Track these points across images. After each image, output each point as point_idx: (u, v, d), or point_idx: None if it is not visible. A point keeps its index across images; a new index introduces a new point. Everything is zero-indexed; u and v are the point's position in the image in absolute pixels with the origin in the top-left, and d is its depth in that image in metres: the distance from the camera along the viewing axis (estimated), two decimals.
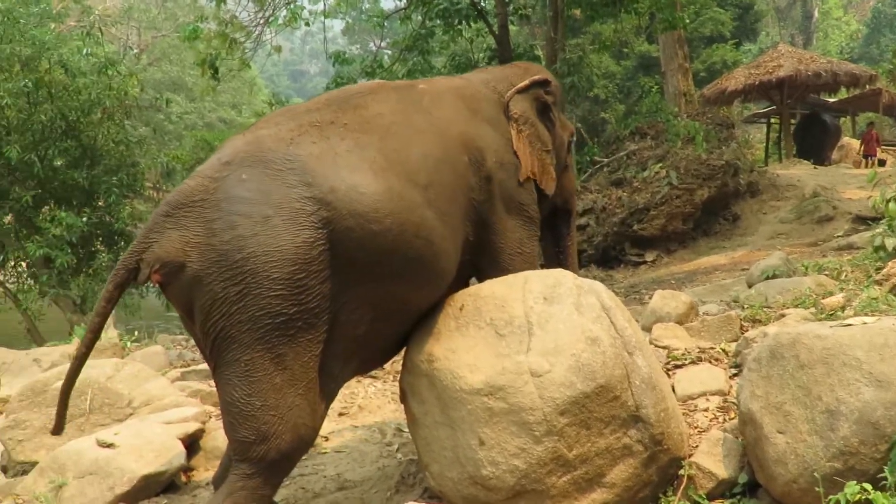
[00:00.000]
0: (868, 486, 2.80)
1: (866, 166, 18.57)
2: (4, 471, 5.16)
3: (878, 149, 20.64)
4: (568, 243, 4.91)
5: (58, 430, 3.57)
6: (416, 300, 3.68)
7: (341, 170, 3.33)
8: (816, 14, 44.03)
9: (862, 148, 21.32)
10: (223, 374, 3.25)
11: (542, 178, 4.31)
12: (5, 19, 10.75)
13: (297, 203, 3.21)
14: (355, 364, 3.71)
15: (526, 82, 4.37)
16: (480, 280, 4.05)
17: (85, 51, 11.72)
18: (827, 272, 6.45)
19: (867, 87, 22.84)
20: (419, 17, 12.53)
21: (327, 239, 3.24)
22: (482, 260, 4.06)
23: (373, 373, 5.96)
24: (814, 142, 21.21)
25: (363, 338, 3.54)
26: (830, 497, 2.88)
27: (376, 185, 3.35)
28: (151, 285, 3.43)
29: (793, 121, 22.81)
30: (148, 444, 4.55)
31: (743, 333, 4.89)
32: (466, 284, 4.11)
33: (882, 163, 18.86)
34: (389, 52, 17.88)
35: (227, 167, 3.31)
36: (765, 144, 24.01)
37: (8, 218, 11.33)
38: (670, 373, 4.48)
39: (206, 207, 3.22)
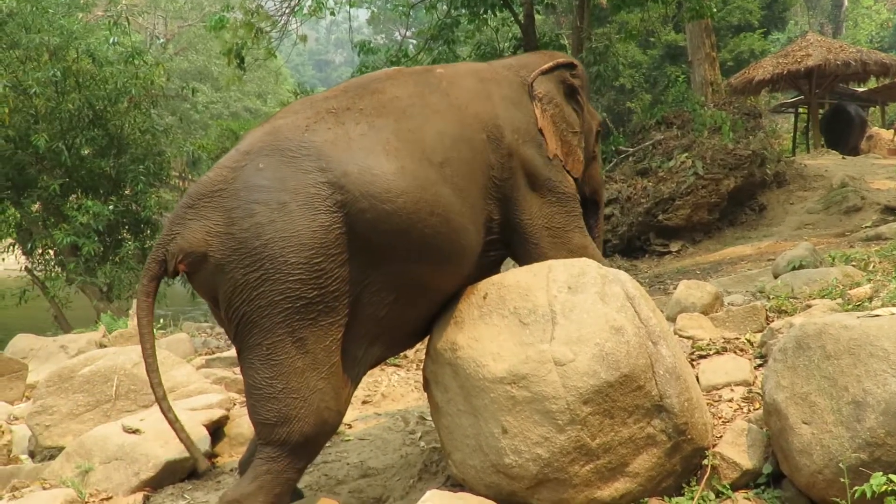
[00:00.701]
0: (894, 478, 2.77)
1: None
2: (32, 455, 5.22)
3: None
4: (595, 235, 4.80)
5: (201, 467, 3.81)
6: (438, 280, 3.67)
7: (355, 153, 3.37)
8: (846, 3, 43.49)
9: (895, 137, 20.96)
10: (246, 357, 3.31)
11: (567, 160, 4.24)
12: (34, 9, 10.82)
13: (312, 188, 3.27)
14: (380, 348, 3.72)
15: (550, 63, 4.35)
16: (516, 260, 4.05)
17: (112, 40, 11.79)
18: (854, 263, 6.39)
19: None
20: (444, 7, 12.49)
21: (343, 222, 3.28)
22: (513, 238, 4.03)
23: (396, 361, 5.98)
24: (840, 133, 20.95)
25: (387, 321, 3.56)
26: (856, 488, 2.87)
27: (388, 165, 3.38)
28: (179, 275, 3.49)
29: (821, 110, 22.56)
30: (173, 431, 4.58)
31: (768, 324, 4.86)
32: (499, 268, 4.11)
33: None
34: (414, 41, 17.89)
35: (245, 157, 3.38)
36: (792, 134, 23.76)
37: (36, 206, 11.42)
38: (695, 363, 4.47)
39: (225, 197, 3.29)
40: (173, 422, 3.53)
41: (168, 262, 3.33)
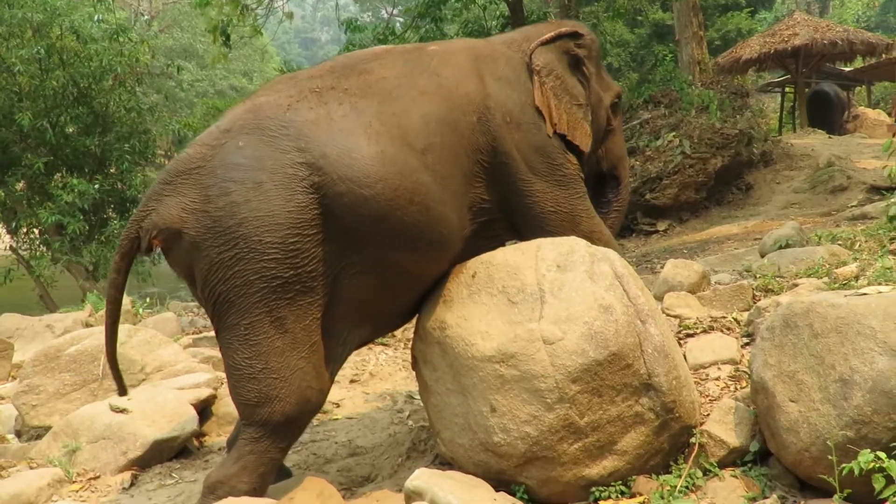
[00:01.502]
0: (882, 455, 2.79)
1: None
2: (18, 435, 5.20)
3: None
4: (613, 213, 4.68)
5: (122, 391, 3.74)
6: (420, 266, 3.64)
7: (335, 135, 3.34)
8: None
9: (894, 115, 20.79)
10: (225, 338, 3.31)
11: (573, 134, 4.07)
12: None
13: (289, 168, 3.25)
14: (367, 329, 3.72)
15: (551, 34, 4.18)
16: (523, 241, 3.92)
17: (96, 17, 11.69)
18: (840, 242, 6.41)
19: (883, 56, 22.55)
20: None
21: (320, 204, 3.26)
22: (518, 222, 3.98)
23: (384, 340, 5.98)
24: (822, 116, 20.88)
25: (371, 303, 3.56)
26: (843, 465, 2.88)
27: (368, 149, 3.35)
28: (158, 253, 3.47)
29: (807, 90, 22.59)
30: (160, 410, 4.58)
31: (755, 303, 4.87)
32: (502, 245, 4.05)
33: None
34: (402, 19, 17.76)
35: (225, 135, 3.36)
36: (779, 114, 23.81)
37: (20, 185, 11.35)
38: (682, 342, 4.48)
39: (202, 174, 3.27)
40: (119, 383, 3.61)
41: (142, 238, 3.31)
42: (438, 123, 3.60)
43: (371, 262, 3.45)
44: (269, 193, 3.20)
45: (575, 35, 4.31)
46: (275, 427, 3.30)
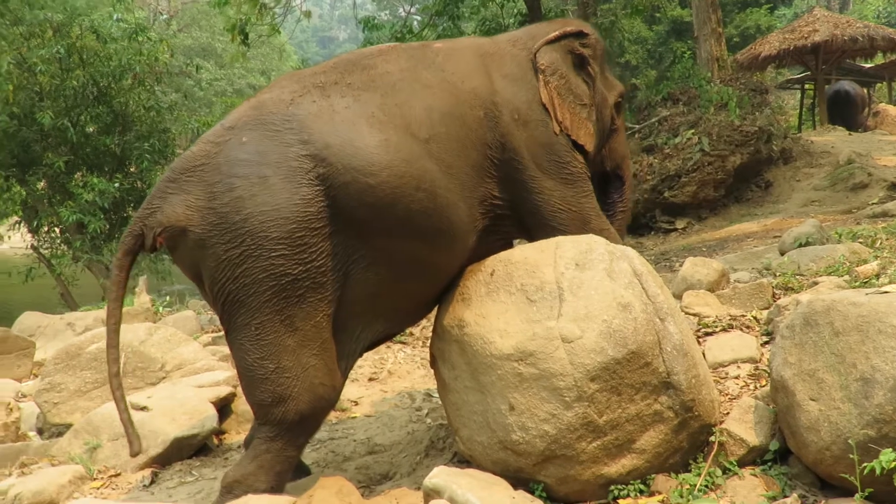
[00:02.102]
0: None
1: None
2: (40, 432, 5.25)
3: None
4: (618, 214, 4.67)
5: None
6: (431, 255, 3.61)
7: (337, 126, 3.33)
8: None
9: None
10: (235, 338, 3.29)
11: (576, 133, 4.07)
12: None
13: (294, 161, 3.23)
14: (382, 325, 3.72)
15: (556, 33, 4.19)
16: (531, 240, 3.95)
17: (115, 17, 11.73)
18: (861, 240, 6.37)
19: None
20: None
21: (326, 195, 3.24)
22: (528, 220, 3.97)
23: (402, 338, 5.99)
24: (843, 115, 20.71)
25: (384, 297, 3.54)
26: (865, 464, 2.86)
27: (371, 138, 3.33)
28: (164, 251, 3.46)
29: (827, 86, 22.44)
30: (180, 407, 4.60)
31: (775, 301, 4.86)
32: (510, 245, 4.07)
33: None
34: (419, 17, 17.76)
35: (229, 132, 3.35)
36: (799, 111, 23.67)
37: (41, 184, 11.43)
38: (701, 340, 4.46)
39: (207, 171, 3.25)
40: (119, 400, 3.48)
41: (146, 235, 3.28)
42: (443, 115, 3.60)
43: (380, 254, 3.43)
44: (274, 187, 3.18)
45: (580, 34, 4.31)
46: (290, 425, 3.31)
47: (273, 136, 3.29)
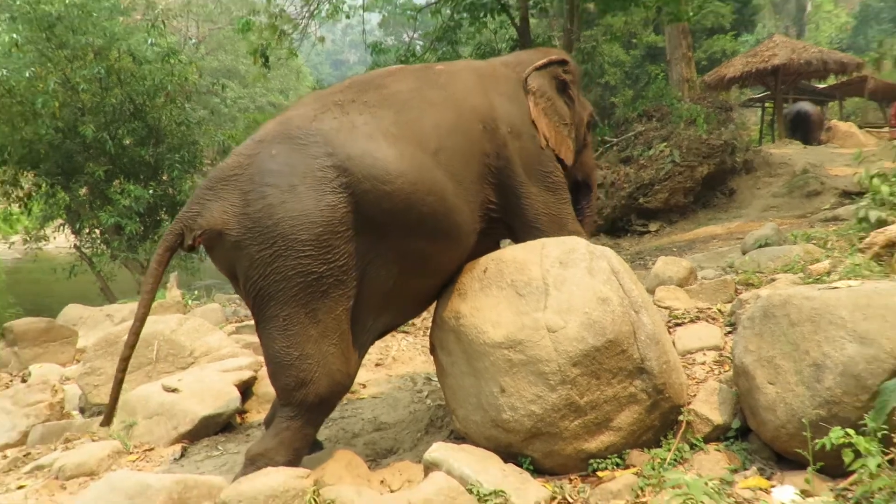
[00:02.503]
0: (851, 432, 2.78)
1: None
2: (82, 412, 5.25)
3: None
4: (587, 217, 4.79)
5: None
6: (438, 255, 3.65)
7: (357, 139, 3.35)
8: (809, 7, 43.26)
9: (892, 121, 20.31)
10: (264, 328, 3.30)
11: (559, 148, 4.20)
12: (80, 13, 10.77)
13: (319, 172, 3.25)
14: (389, 317, 3.73)
15: (544, 60, 4.33)
16: (516, 240, 4.02)
17: (150, 41, 11.73)
18: (814, 241, 6.37)
19: (854, 74, 22.40)
20: (448, 11, 12.39)
21: (348, 202, 3.26)
22: (514, 222, 4.02)
23: (405, 328, 6.00)
24: (804, 133, 20.60)
25: (393, 292, 3.56)
26: (817, 441, 2.87)
27: (388, 150, 3.36)
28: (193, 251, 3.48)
29: (785, 105, 22.42)
30: (207, 390, 4.61)
31: (737, 295, 4.86)
32: (498, 245, 4.11)
33: None
34: (421, 42, 17.75)
35: (259, 145, 3.38)
36: (759, 126, 23.67)
37: (83, 190, 11.41)
38: (671, 330, 4.46)
39: (241, 180, 3.28)
40: (118, 382, 3.50)
41: (185, 236, 3.31)
42: (448, 129, 3.64)
43: (394, 254, 3.45)
44: (302, 195, 3.20)
45: (563, 62, 4.45)
46: (309, 407, 3.32)
47: (300, 148, 3.31)
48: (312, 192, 3.21)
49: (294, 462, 3.34)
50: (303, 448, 3.42)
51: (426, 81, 3.82)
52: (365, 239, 3.34)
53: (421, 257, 3.58)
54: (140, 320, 3.43)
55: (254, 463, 3.29)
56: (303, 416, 3.34)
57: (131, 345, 3.43)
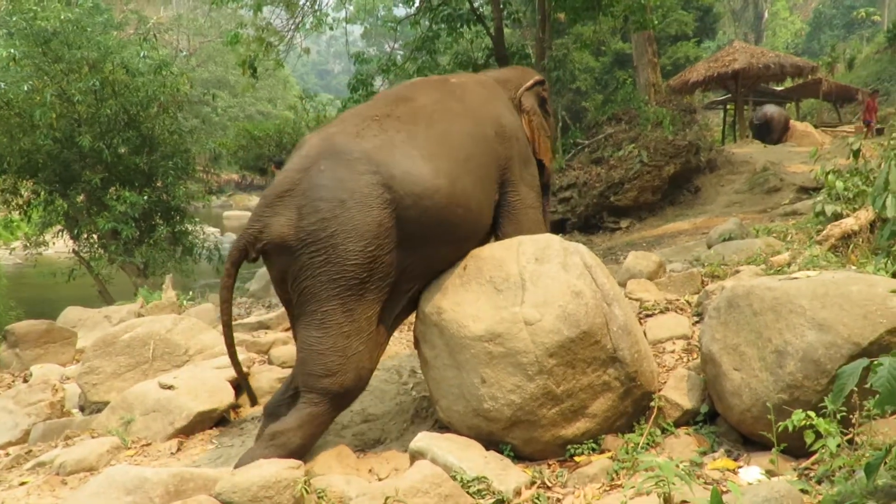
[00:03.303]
0: (812, 414, 2.79)
1: (867, 134, 17.43)
2: (82, 409, 5.19)
3: (875, 116, 19.39)
4: (547, 213, 4.99)
5: (242, 378, 4.03)
6: (456, 256, 3.81)
7: (399, 158, 3.50)
8: (766, 15, 43.60)
9: (863, 118, 20.36)
10: (303, 321, 3.44)
11: (545, 157, 4.60)
12: (75, 28, 10.65)
13: (366, 188, 3.39)
14: (404, 315, 3.91)
15: (531, 82, 4.65)
16: (498, 230, 4.18)
17: (142, 54, 11.61)
18: (775, 234, 6.41)
19: (809, 77, 22.59)
20: (427, 22, 12.37)
21: (391, 216, 3.41)
22: (500, 215, 4.19)
23: None
24: (769, 134, 20.63)
25: (412, 295, 3.76)
26: (780, 424, 2.88)
27: (426, 167, 3.52)
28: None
29: (746, 107, 22.52)
30: (202, 386, 4.57)
31: (704, 287, 4.87)
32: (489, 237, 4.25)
33: (880, 131, 17.80)
34: (402, 52, 17.73)
35: (306, 160, 3.51)
36: (722, 127, 23.76)
37: (80, 197, 11.28)
38: (642, 321, 4.48)
39: (295, 196, 3.43)
40: (242, 375, 3.83)
41: (249, 250, 3.46)
42: (474, 138, 3.87)
43: (425, 261, 3.65)
44: (351, 210, 3.34)
45: (543, 82, 4.81)
46: (333, 396, 3.43)
47: (346, 165, 3.45)
48: (361, 207, 3.36)
49: (308, 445, 3.48)
50: (317, 435, 3.54)
51: (446, 94, 4.05)
52: (402, 250, 3.49)
53: (444, 261, 3.77)
54: (227, 325, 3.64)
55: (273, 438, 3.41)
56: (325, 403, 3.45)
57: (231, 343, 3.70)
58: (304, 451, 3.45)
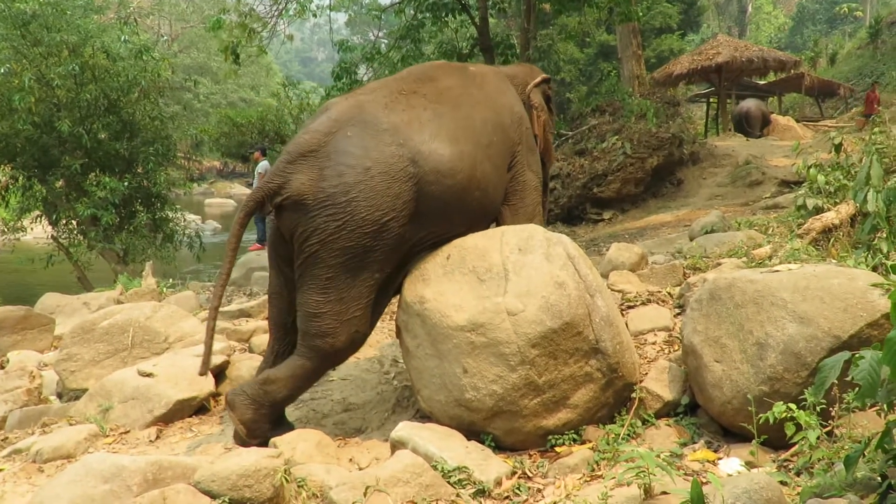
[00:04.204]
0: (792, 406, 2.81)
1: (864, 126, 17.24)
2: (59, 397, 5.15)
3: (877, 108, 19.26)
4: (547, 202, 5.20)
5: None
6: (467, 234, 3.87)
7: (426, 136, 3.61)
8: (750, 9, 43.76)
9: (865, 111, 20.30)
10: (306, 282, 3.52)
11: (548, 150, 4.82)
12: (55, 11, 10.51)
13: (391, 159, 3.49)
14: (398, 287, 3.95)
15: (539, 79, 4.82)
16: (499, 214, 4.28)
17: (123, 38, 11.47)
18: (757, 227, 6.44)
19: (792, 71, 22.72)
20: (411, 11, 12.29)
21: (412, 191, 3.51)
22: (506, 194, 4.27)
23: None
24: (751, 129, 20.69)
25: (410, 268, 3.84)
26: (760, 415, 2.90)
27: (451, 148, 3.65)
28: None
29: (729, 101, 22.61)
30: (182, 374, 4.54)
31: (685, 279, 4.89)
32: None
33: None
34: (386, 40, 17.63)
35: (335, 123, 3.58)
36: (705, 120, 23.85)
37: (59, 183, 11.15)
38: (624, 312, 4.48)
39: (319, 157, 3.50)
40: (211, 329, 3.65)
41: (267, 202, 3.51)
42: (494, 125, 4.03)
43: (435, 236, 3.75)
44: (374, 179, 3.42)
45: (549, 80, 4.98)
46: (325, 354, 3.57)
47: (374, 134, 3.54)
48: (384, 177, 3.44)
49: (292, 397, 3.72)
50: (303, 388, 3.74)
51: (466, 80, 4.17)
52: (417, 224, 3.59)
53: (454, 238, 3.83)
54: (226, 274, 3.61)
55: (266, 384, 3.59)
56: (317, 360, 3.58)
57: (219, 295, 3.64)
58: (286, 404, 3.70)
